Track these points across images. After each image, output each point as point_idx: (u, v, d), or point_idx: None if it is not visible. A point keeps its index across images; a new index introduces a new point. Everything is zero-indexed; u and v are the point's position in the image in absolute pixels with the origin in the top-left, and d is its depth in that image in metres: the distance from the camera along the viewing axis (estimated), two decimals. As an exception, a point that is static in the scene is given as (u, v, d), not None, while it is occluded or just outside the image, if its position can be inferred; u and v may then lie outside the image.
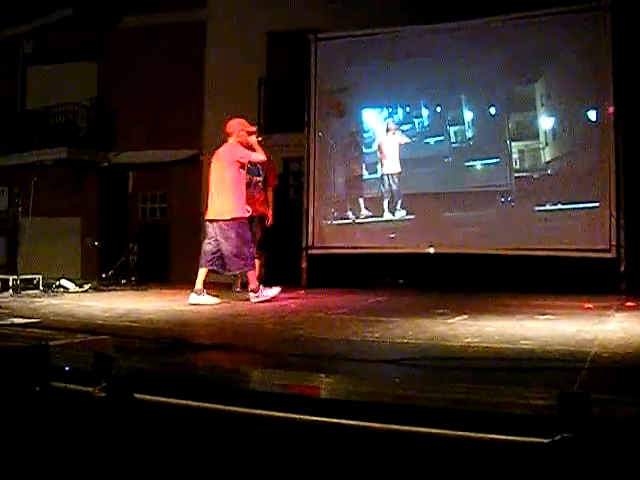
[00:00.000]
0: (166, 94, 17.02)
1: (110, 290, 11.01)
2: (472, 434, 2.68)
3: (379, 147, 13.33)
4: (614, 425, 2.63)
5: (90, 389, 3.24)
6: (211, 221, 8.74)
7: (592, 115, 11.81)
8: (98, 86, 18.48)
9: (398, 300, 9.32)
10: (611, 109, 11.54)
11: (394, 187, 13.06)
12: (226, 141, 9.16)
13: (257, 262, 9.38)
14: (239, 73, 16.41)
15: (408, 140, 12.96)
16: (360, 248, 12.94)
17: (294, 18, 15.72)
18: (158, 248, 17.24)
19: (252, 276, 8.86)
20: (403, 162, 12.83)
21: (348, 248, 13.11)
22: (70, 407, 3.34)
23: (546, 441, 2.54)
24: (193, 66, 17.18)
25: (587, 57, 11.76)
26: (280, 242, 15.34)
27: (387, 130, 13.25)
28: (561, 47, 11.98)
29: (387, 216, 13.03)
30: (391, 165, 13.14)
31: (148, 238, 17.27)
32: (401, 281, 12.55)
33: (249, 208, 9.02)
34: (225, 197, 8.74)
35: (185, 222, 16.84)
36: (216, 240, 8.65)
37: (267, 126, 16.34)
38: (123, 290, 11.06)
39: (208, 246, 8.70)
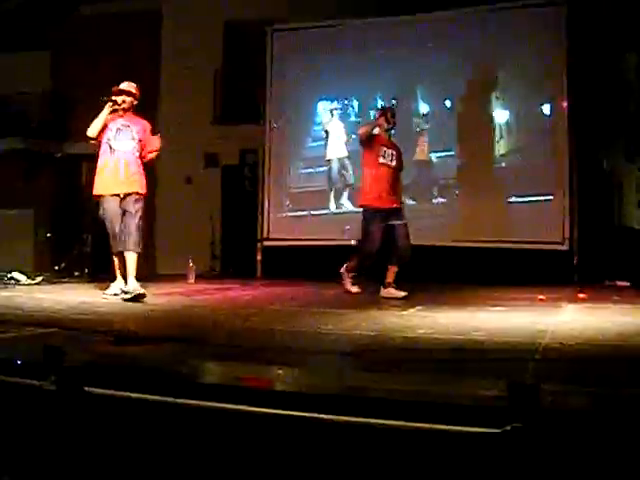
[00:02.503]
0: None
1: (63, 282, 10.88)
2: (424, 425, 2.69)
3: (326, 132, 13.35)
4: (564, 415, 2.65)
5: (39, 382, 3.20)
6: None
7: (546, 109, 11.93)
8: (52, 75, 18.21)
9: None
10: (565, 104, 11.66)
11: (344, 173, 13.07)
12: None
13: None
14: (195, 63, 16.28)
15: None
16: (315, 240, 12.90)
17: (252, 7, 15.62)
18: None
19: None
20: (354, 154, 12.78)
21: (303, 240, 13.07)
22: (19, 401, 3.29)
23: (497, 431, 2.55)
24: (149, 55, 16.99)
25: (542, 52, 11.85)
26: (235, 234, 15.33)
27: (331, 114, 13.29)
28: (517, 41, 12.07)
29: (341, 207, 13.04)
30: (337, 149, 13.15)
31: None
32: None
33: None
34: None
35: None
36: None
37: (223, 116, 16.30)
38: (77, 282, 10.94)
39: None
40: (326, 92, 13.54)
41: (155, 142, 8.07)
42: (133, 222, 7.68)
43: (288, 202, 13.59)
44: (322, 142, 13.52)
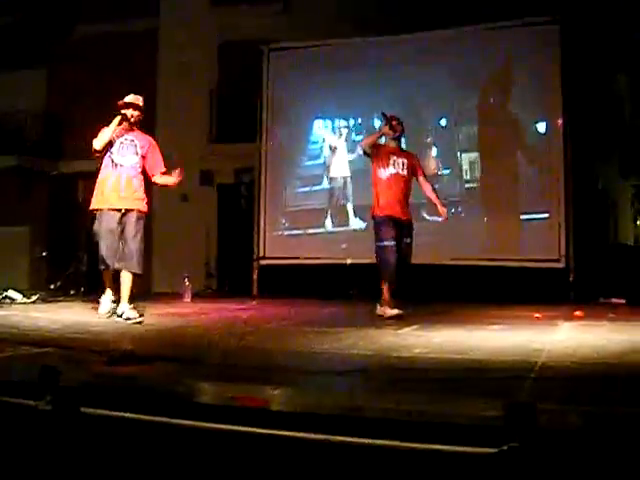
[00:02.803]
0: (117, 103, 16.82)
1: (59, 301, 10.85)
2: (421, 445, 2.68)
3: (331, 149, 13.37)
4: (560, 434, 2.65)
5: (35, 402, 3.19)
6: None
7: (541, 127, 11.98)
8: (48, 94, 18.27)
9: (349, 311, 9.32)
10: (560, 121, 11.70)
11: (346, 192, 13.09)
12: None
13: None
14: (191, 82, 16.37)
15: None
16: (311, 259, 12.91)
17: (248, 27, 15.70)
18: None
19: None
20: (356, 173, 12.82)
21: (299, 259, 13.08)
22: (15, 421, 3.28)
23: (494, 451, 2.54)
24: (144, 75, 17.02)
25: (538, 70, 11.91)
26: (231, 252, 15.33)
27: (340, 133, 13.32)
28: (512, 60, 12.14)
29: (338, 227, 13.06)
30: (342, 168, 13.17)
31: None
32: (352, 292, 12.52)
33: None
34: None
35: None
36: None
37: (219, 135, 16.35)
38: (72, 301, 10.91)
39: None
40: (322, 111, 13.59)
41: (169, 179, 8.02)
42: (135, 242, 7.58)
43: (284, 221, 13.60)
44: (318, 161, 13.56)
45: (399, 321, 7.28)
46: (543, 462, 2.54)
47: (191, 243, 15.86)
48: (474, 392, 3.54)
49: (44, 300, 10.70)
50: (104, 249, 7.65)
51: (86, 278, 14.32)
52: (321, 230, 13.26)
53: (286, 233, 13.58)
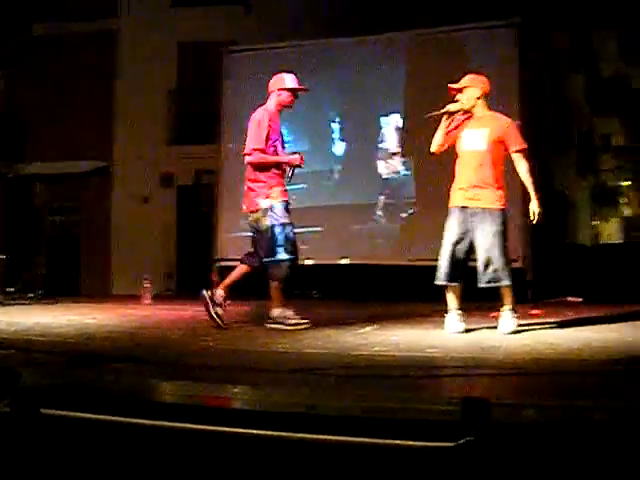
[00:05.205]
0: (76, 104, 16.70)
1: (16, 304, 10.76)
2: (378, 440, 2.71)
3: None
4: (515, 428, 2.70)
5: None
6: None
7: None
8: (6, 95, 18.08)
9: (309, 311, 9.33)
10: (517, 122, 11.77)
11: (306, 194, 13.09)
12: None
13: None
14: (150, 83, 16.29)
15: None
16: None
17: (207, 29, 15.69)
18: (68, 260, 16.91)
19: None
20: (312, 174, 12.82)
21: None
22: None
23: (451, 445, 2.59)
24: (103, 76, 16.93)
25: (495, 72, 11.99)
26: (191, 254, 15.30)
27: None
28: (470, 62, 12.20)
29: (298, 228, 13.01)
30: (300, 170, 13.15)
31: (57, 250, 16.95)
32: (315, 293, 12.54)
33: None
34: None
35: (95, 233, 16.62)
36: None
37: (178, 137, 16.30)
38: (30, 304, 10.83)
39: None
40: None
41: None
42: None
43: (243, 222, 13.54)
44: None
45: (359, 321, 7.30)
46: (498, 455, 2.59)
47: (151, 245, 15.81)
48: (431, 388, 3.59)
49: (1, 303, 10.61)
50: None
51: (43, 281, 14.24)
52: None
53: (245, 234, 13.52)
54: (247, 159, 7.11)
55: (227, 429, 2.90)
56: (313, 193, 12.88)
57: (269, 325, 6.86)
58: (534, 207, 6.84)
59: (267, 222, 7.01)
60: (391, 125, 12.81)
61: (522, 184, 6.87)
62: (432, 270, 11.04)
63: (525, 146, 6.54)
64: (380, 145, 12.87)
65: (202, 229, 14.66)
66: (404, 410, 2.98)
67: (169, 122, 16.53)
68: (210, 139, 14.44)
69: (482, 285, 6.49)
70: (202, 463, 2.94)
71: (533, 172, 6.74)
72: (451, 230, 6.59)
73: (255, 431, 2.87)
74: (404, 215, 12.58)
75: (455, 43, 12.49)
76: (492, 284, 6.46)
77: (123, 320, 7.97)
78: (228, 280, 7.18)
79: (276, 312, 6.93)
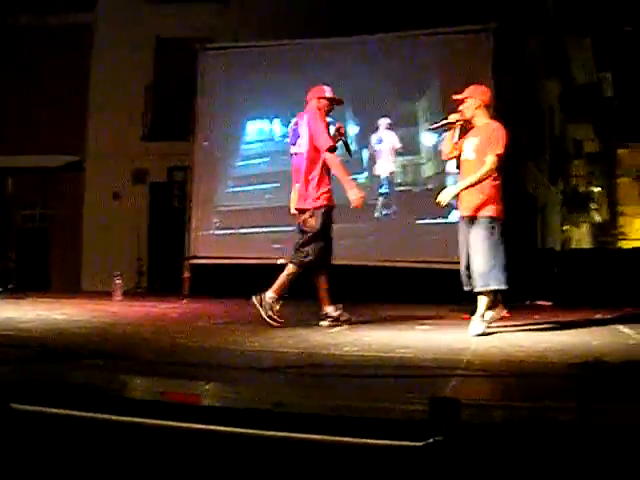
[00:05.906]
0: (50, 98, 16.55)
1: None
2: (347, 439, 2.73)
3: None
4: (482, 428, 2.73)
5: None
6: None
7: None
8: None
9: (280, 310, 9.33)
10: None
11: (279, 193, 13.09)
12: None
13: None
14: (125, 78, 16.19)
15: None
16: (244, 258, 12.88)
17: (184, 25, 15.63)
18: (38, 255, 16.78)
19: None
20: (282, 174, 12.78)
21: (231, 258, 13.04)
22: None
23: (419, 444, 2.61)
24: (78, 70, 16.79)
25: (469, 77, 12.04)
26: (162, 251, 15.25)
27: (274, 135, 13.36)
28: (445, 66, 12.28)
29: (270, 227, 13.02)
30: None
31: (28, 245, 16.82)
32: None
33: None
34: None
35: (67, 228, 16.51)
36: None
37: (152, 133, 16.21)
38: (0, 299, 10.75)
39: None
40: (257, 112, 13.55)
41: None
42: None
43: (216, 220, 13.54)
44: (251, 161, 13.52)
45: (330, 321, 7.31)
46: (466, 455, 2.61)
47: (122, 241, 15.73)
48: (401, 388, 3.60)
49: (-30, 298, 10.53)
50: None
51: (15, 276, 14.14)
52: (253, 230, 13.22)
53: (218, 232, 13.52)
54: (326, 155, 7.09)
55: (197, 426, 2.91)
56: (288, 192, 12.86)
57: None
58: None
59: (314, 224, 7.12)
60: (382, 126, 12.82)
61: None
62: (401, 271, 11.04)
63: (499, 152, 6.57)
64: (376, 146, 12.90)
65: (174, 226, 14.61)
66: (372, 409, 3.00)
67: (144, 118, 16.44)
68: (185, 136, 14.39)
69: (466, 288, 6.66)
70: (171, 458, 2.95)
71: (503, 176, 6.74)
72: (460, 239, 6.76)
73: (225, 428, 2.88)
74: (377, 215, 12.63)
75: (433, 47, 12.56)
76: (467, 287, 6.59)
77: (94, 316, 7.93)
78: (321, 293, 7.23)
79: (268, 295, 7.03)
